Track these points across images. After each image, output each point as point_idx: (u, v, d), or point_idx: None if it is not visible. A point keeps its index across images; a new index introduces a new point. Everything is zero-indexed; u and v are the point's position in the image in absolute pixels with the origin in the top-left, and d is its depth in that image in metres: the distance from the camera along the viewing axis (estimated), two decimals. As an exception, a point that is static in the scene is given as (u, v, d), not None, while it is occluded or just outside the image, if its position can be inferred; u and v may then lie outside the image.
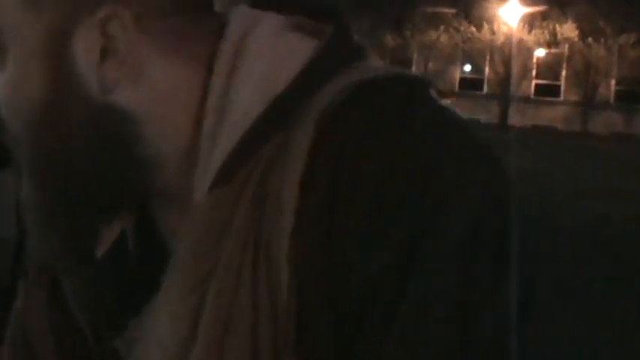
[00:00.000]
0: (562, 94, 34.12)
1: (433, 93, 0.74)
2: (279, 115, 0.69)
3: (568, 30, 32.20)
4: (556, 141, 25.22)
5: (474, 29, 32.64)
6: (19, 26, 0.69)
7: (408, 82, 0.72)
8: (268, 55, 0.71)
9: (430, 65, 33.92)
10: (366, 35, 33.54)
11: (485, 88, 34.67)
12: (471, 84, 34.89)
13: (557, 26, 32.23)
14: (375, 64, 0.75)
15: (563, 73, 33.92)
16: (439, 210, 0.65)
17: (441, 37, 32.91)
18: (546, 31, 32.42)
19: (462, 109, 33.56)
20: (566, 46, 32.86)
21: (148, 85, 0.69)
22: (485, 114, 32.96)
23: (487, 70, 34.38)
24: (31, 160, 0.71)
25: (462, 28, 32.58)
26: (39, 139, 0.70)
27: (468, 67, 35.09)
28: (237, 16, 0.72)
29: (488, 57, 33.74)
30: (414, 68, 35.07)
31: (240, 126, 0.68)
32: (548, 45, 33.09)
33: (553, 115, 33.23)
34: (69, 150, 0.70)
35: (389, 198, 0.65)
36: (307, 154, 0.67)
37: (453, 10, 31.89)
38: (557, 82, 34.19)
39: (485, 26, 32.55)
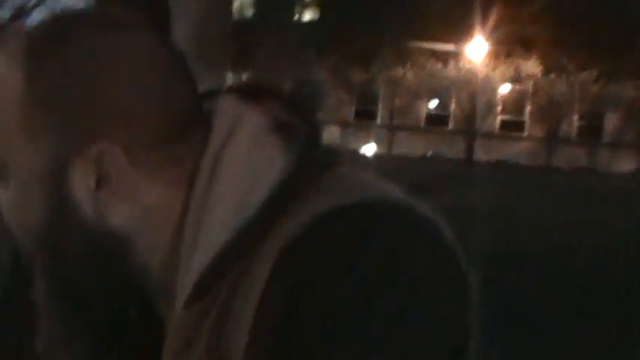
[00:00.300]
0: (526, 130, 34.49)
1: (401, 218, 0.78)
2: (245, 242, 0.77)
3: (531, 66, 32.63)
4: (521, 176, 25.42)
5: (440, 65, 32.95)
6: (20, 154, 0.78)
7: (375, 211, 0.77)
8: (241, 174, 0.79)
9: (397, 101, 34.13)
10: (333, 71, 33.75)
11: (451, 124, 34.91)
12: (437, 119, 35.09)
13: (521, 63, 32.66)
14: (345, 173, 0.82)
15: (527, 108, 34.30)
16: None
17: (408, 73, 33.15)
18: (510, 68, 32.82)
19: (429, 144, 33.83)
20: (530, 82, 33.28)
21: (137, 208, 0.78)
22: (451, 149, 33.16)
23: (453, 105, 34.65)
24: (39, 266, 0.81)
25: (428, 65, 32.87)
26: (43, 253, 0.80)
27: (434, 103, 35.33)
28: (221, 119, 0.81)
29: (454, 93, 34.03)
30: (380, 104, 35.25)
31: (212, 249, 0.76)
32: (513, 81, 33.48)
33: (518, 150, 33.53)
34: (69, 263, 0.79)
35: (334, 328, 0.72)
36: (266, 282, 0.74)
37: (419, 47, 32.17)
38: (521, 118, 34.58)
39: (451, 63, 32.88)
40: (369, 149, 32.20)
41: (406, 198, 0.81)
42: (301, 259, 0.74)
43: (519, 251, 9.96)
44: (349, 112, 35.52)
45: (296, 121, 0.83)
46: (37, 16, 0.79)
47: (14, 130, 0.77)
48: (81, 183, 0.76)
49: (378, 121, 35.52)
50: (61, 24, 0.79)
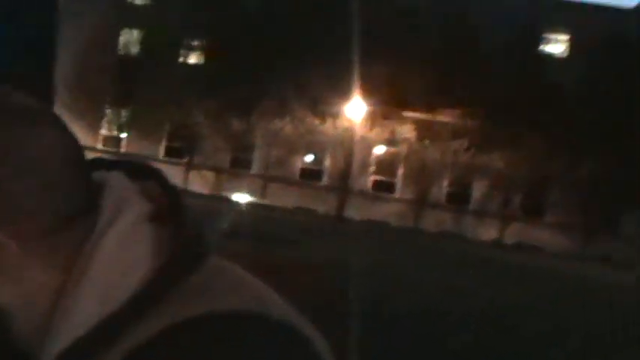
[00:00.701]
0: (397, 191, 35.23)
1: (268, 335, 0.80)
2: (96, 341, 0.80)
3: (407, 130, 33.47)
4: (390, 236, 25.88)
5: (318, 122, 33.41)
6: None
7: (231, 324, 0.80)
8: (111, 267, 0.83)
9: (273, 152, 34.36)
10: (213, 117, 33.76)
11: (325, 180, 35.36)
12: (311, 174, 35.51)
13: (397, 126, 33.46)
14: (211, 272, 0.86)
15: (400, 171, 35.09)
16: None
17: (286, 126, 33.47)
18: (386, 130, 33.57)
19: (302, 197, 34.11)
20: (405, 145, 34.10)
21: (22, 288, 0.82)
22: (324, 205, 33.56)
23: (328, 161, 35.14)
24: None
25: (306, 120, 33.28)
26: None
27: (309, 158, 35.74)
28: (107, 206, 0.86)
29: (330, 149, 34.51)
30: (256, 154, 35.41)
31: (68, 338, 0.80)
32: (388, 143, 34.24)
33: (388, 211, 34.19)
34: None
35: None
36: None
37: (299, 102, 32.56)
38: (393, 179, 35.32)
39: (329, 120, 33.39)
40: (243, 197, 32.27)
41: (280, 308, 0.83)
42: None
43: (389, 311, 10.08)
44: (225, 158, 35.58)
45: (169, 204, 0.88)
46: None
47: None
48: None
49: (254, 170, 35.65)
50: None
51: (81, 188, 0.85)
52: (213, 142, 34.24)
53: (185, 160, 35.22)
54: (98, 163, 0.93)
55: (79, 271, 0.82)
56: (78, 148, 0.87)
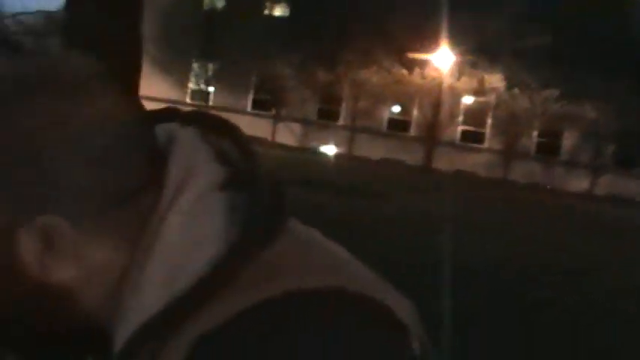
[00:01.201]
0: (486, 142, 34.81)
1: (351, 315, 0.74)
2: (166, 322, 0.75)
3: (495, 80, 32.93)
4: (478, 187, 25.61)
5: (405, 72, 33.12)
6: None
7: (296, 305, 0.74)
8: (180, 244, 0.77)
9: (360, 103, 34.24)
10: (299, 69, 33.74)
11: (413, 130, 35.12)
12: (398, 125, 35.30)
13: (485, 76, 32.94)
14: (291, 247, 0.79)
15: (489, 121, 34.62)
16: None
17: (373, 76, 33.27)
18: (475, 80, 33.09)
19: (389, 149, 33.96)
20: (493, 95, 33.58)
21: (83, 267, 0.78)
22: (411, 156, 33.39)
23: (415, 112, 34.86)
24: None
25: (393, 70, 33.03)
26: None
27: (396, 108, 35.51)
28: (172, 174, 0.80)
29: (417, 100, 34.22)
30: (343, 105, 35.33)
31: (137, 319, 0.76)
32: (476, 93, 33.76)
33: (476, 162, 33.84)
34: (11, 311, 0.80)
35: None
36: None
37: (385, 51, 32.30)
38: (482, 130, 34.88)
39: (417, 70, 33.07)
40: (330, 149, 32.30)
41: (360, 279, 0.78)
42: (221, 354, 0.73)
43: (474, 263, 10.02)
44: (312, 110, 35.66)
45: (245, 169, 0.82)
46: None
47: None
48: (27, 249, 0.76)
49: (340, 121, 35.61)
50: (23, 79, 0.77)
51: (140, 160, 0.79)
52: (300, 93, 34.24)
53: (272, 112, 35.38)
54: (170, 115, 0.87)
55: (144, 249, 0.78)
56: (135, 116, 0.80)
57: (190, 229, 0.78)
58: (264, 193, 0.80)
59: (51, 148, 0.75)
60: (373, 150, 33.78)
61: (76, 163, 0.76)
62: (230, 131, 0.85)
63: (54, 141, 0.75)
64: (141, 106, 0.83)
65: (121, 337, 0.76)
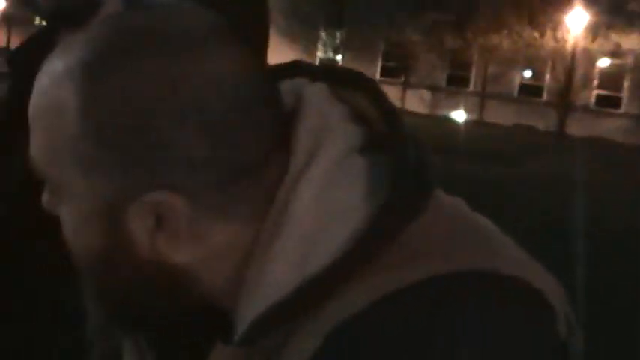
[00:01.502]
0: (623, 106, 33.62)
1: (504, 300, 0.67)
2: (295, 305, 0.68)
3: (632, 41, 31.68)
4: (613, 153, 24.83)
5: (536, 35, 32.27)
6: (72, 185, 0.71)
7: (470, 289, 0.67)
8: (313, 218, 0.69)
9: (490, 69, 33.62)
10: (427, 35, 33.37)
11: (545, 95, 34.27)
12: (530, 90, 34.51)
13: (622, 36, 31.73)
14: (439, 219, 0.71)
15: (625, 84, 33.40)
16: None
17: (503, 41, 32.57)
18: (610, 41, 31.93)
19: (520, 114, 33.29)
20: (630, 57, 32.34)
21: (202, 247, 0.70)
22: (543, 121, 32.59)
23: (547, 77, 33.98)
24: (88, 285, 0.77)
25: (524, 34, 32.22)
26: (96, 277, 0.75)
27: (528, 73, 34.69)
28: (302, 139, 0.71)
29: (549, 64, 33.33)
30: (473, 71, 34.80)
31: (265, 300, 0.69)
32: (612, 55, 32.59)
33: (612, 127, 32.72)
34: (122, 293, 0.75)
35: None
36: None
37: (516, 15, 31.54)
38: (618, 94, 33.69)
39: (548, 33, 32.17)
40: (460, 115, 31.89)
41: (512, 260, 0.70)
42: (360, 346, 0.66)
43: (608, 229, 9.76)
44: (442, 77, 35.19)
45: (386, 129, 0.73)
46: (101, 28, 0.70)
47: (66, 159, 0.70)
48: (137, 225, 0.70)
49: (470, 87, 35.10)
50: (132, 40, 0.69)
51: (264, 124, 0.70)
52: (429, 60, 33.88)
53: (401, 79, 35.17)
54: (296, 70, 0.77)
55: (271, 225, 0.69)
56: (257, 74, 0.71)
57: (325, 200, 0.69)
58: (409, 158, 0.70)
59: (161, 115, 0.67)
60: (504, 116, 33.15)
61: (189, 131, 0.67)
62: (366, 86, 0.75)
63: (164, 107, 0.67)
64: (263, 64, 0.75)
65: (245, 320, 0.70)
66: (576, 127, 31.93)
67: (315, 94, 0.74)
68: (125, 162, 0.67)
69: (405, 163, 0.70)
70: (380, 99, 0.74)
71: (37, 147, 0.72)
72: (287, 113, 0.72)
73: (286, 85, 0.75)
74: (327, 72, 0.76)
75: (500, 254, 0.70)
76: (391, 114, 0.73)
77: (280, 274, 0.69)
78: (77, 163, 0.69)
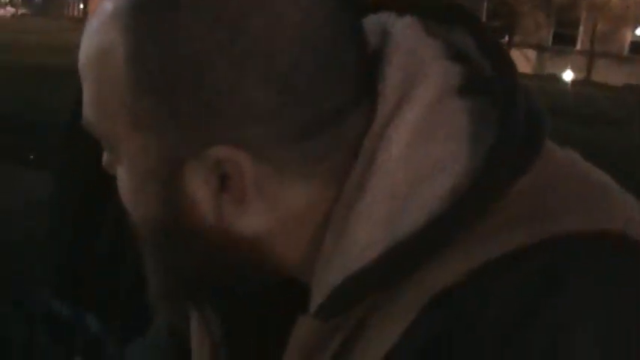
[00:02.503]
0: None
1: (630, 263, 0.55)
2: (388, 269, 0.58)
3: None
4: None
5: (649, -10, 31.12)
6: (126, 143, 0.62)
7: (594, 250, 0.54)
8: (404, 171, 0.57)
9: (599, 26, 32.63)
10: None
11: (657, 53, 33.12)
12: (641, 48, 33.43)
13: None
14: (553, 173, 0.57)
15: None
16: None
17: (613, -3, 31.55)
18: None
19: (631, 73, 32.34)
20: None
21: (275, 211, 0.61)
22: (655, 80, 31.63)
23: (660, 34, 32.81)
24: (148, 252, 0.68)
25: (636, -11, 31.12)
26: (156, 246, 0.66)
27: (639, 31, 33.55)
28: (389, 83, 0.59)
29: (662, 20, 32.16)
30: (581, 28, 33.86)
31: (349, 265, 0.59)
32: None
33: None
34: (185, 263, 0.65)
35: None
36: (400, 337, 0.57)
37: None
38: None
39: (662, -13, 30.98)
40: (567, 75, 31.14)
41: (630, 223, 0.57)
42: (461, 322, 0.55)
43: None
44: (547, 35, 34.38)
45: (490, 66, 0.59)
46: None
47: (116, 111, 0.61)
48: (199, 186, 0.60)
49: (578, 46, 34.22)
50: None
51: (344, 66, 0.60)
52: (534, 18, 33.13)
53: (505, 38, 34.49)
54: (384, 2, 0.65)
55: (356, 182, 0.60)
56: (334, 11, 0.60)
57: (420, 150, 0.58)
58: (518, 102, 0.59)
59: (220, 60, 0.58)
60: (614, 75, 32.16)
61: (254, 78, 0.58)
62: (466, 20, 0.63)
63: (223, 50, 0.58)
64: None
65: (324, 290, 0.60)
66: (691, 87, 30.77)
67: (405, 29, 0.63)
68: (180, 114, 0.59)
69: (512, 108, 0.59)
70: (483, 35, 0.62)
71: (87, 101, 0.64)
72: (372, 53, 0.61)
73: (370, 21, 0.63)
74: (418, 4, 0.63)
75: (626, 215, 0.59)
76: (496, 52, 0.61)
77: (365, 236, 0.59)
78: (128, 116, 0.61)
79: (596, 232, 0.55)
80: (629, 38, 33.76)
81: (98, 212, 1.68)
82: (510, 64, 0.59)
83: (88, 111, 0.65)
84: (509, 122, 0.57)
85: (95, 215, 1.69)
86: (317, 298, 0.61)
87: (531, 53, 34.09)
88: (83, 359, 1.88)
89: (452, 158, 0.58)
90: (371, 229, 0.58)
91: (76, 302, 1.88)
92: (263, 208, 0.61)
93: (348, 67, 0.60)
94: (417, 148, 0.58)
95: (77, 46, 0.66)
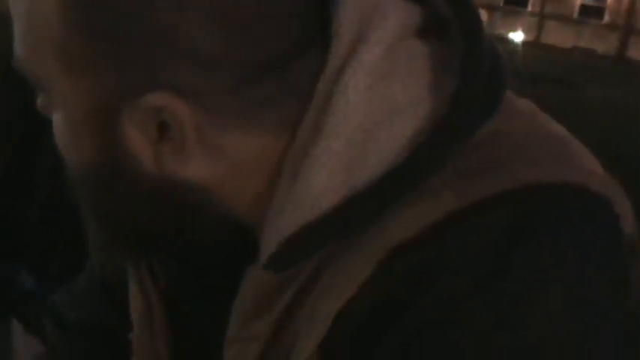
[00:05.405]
0: (688, 29, 32.61)
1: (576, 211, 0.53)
2: (347, 219, 0.55)
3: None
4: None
5: (600, -47, 31.27)
6: (59, 85, 0.59)
7: (546, 201, 0.52)
8: (361, 117, 0.55)
9: (550, -11, 32.80)
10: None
11: (607, 17, 33.36)
12: (591, 11, 33.63)
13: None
14: (514, 128, 0.55)
15: (692, 6, 32.33)
16: None
17: (565, -41, 31.65)
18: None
19: (579, 36, 32.62)
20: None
21: (221, 162, 0.59)
22: (604, 44, 31.81)
23: (610, -2, 33.07)
24: (86, 203, 0.65)
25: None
26: (94, 195, 0.63)
27: (589, -6, 33.78)
28: (346, 20, 0.56)
29: (612, -16, 32.38)
30: (533, -9, 34.03)
31: (303, 215, 0.56)
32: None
33: (675, 51, 31.84)
34: (125, 214, 0.62)
35: None
36: (354, 294, 0.55)
37: None
38: (683, 16, 32.65)
39: (614, -49, 31.17)
40: (517, 36, 31.28)
41: (600, 179, 0.56)
42: (421, 277, 0.52)
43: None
44: (499, -4, 34.47)
45: (453, 10, 0.57)
46: None
47: (47, 53, 0.58)
48: (136, 134, 0.58)
49: (529, 8, 34.35)
50: None
51: (294, 9, 0.55)
52: (487, -22, 33.16)
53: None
54: None
55: (309, 128, 0.56)
56: None
57: (378, 93, 0.55)
58: (481, 45, 0.56)
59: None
60: (563, 38, 32.39)
61: (195, 19, 0.54)
62: None
63: None
64: None
65: (274, 240, 0.58)
66: (638, 51, 31.08)
67: None
68: (116, 56, 0.56)
69: (476, 51, 0.56)
70: None
71: (18, 37, 0.60)
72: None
73: None
74: None
75: (586, 168, 0.57)
76: None
77: (321, 184, 0.56)
78: (60, 56, 0.58)
79: (559, 183, 0.53)
80: (579, 1, 33.97)
81: (31, 165, 1.63)
82: (472, 8, 0.55)
83: (18, 49, 0.60)
84: (472, 68, 0.55)
85: (28, 167, 1.64)
86: (267, 249, 0.58)
87: (483, 13, 34.14)
88: (17, 316, 1.82)
89: (412, 103, 0.55)
90: (327, 177, 0.55)
91: (10, 258, 1.82)
92: (206, 157, 0.58)
93: (297, 5, 0.56)
94: (376, 90, 0.55)
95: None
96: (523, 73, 16.64)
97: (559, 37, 32.57)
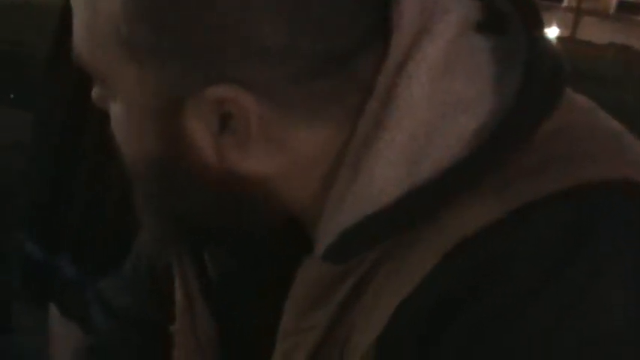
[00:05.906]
0: None
1: None
2: (409, 213, 0.55)
3: None
4: None
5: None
6: (122, 78, 0.60)
7: (607, 199, 0.52)
8: (423, 113, 0.55)
9: (587, -16, 32.48)
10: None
11: (644, 13, 33.03)
12: (629, 7, 33.28)
13: None
14: (577, 120, 0.55)
15: None
16: None
17: (603, -46, 31.32)
18: None
19: (616, 33, 32.30)
20: None
21: (282, 155, 0.59)
22: (641, 40, 31.56)
23: (648, -7, 32.69)
24: (143, 194, 0.65)
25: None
26: (152, 188, 0.63)
27: (627, -11, 33.45)
28: (405, 19, 0.56)
29: (651, -20, 31.99)
30: (569, -15, 33.69)
31: (363, 208, 0.57)
32: None
33: None
34: (183, 207, 0.63)
35: None
36: (420, 283, 0.55)
37: None
38: None
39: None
40: (552, 32, 31.06)
41: None
42: (486, 273, 0.53)
43: None
44: (535, -9, 34.30)
45: (515, 6, 0.58)
46: None
47: (110, 44, 0.58)
48: (199, 125, 0.59)
49: (565, 3, 34.04)
50: None
51: (355, 2, 0.57)
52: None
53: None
54: None
55: (371, 122, 0.57)
56: None
57: (442, 87, 0.57)
58: (542, 41, 0.57)
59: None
60: (599, 34, 32.09)
61: (261, 12, 0.55)
62: None
63: None
64: None
65: (334, 230, 0.58)
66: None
67: None
68: (181, 48, 0.57)
69: (539, 46, 0.57)
70: None
71: (79, 30, 0.60)
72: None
73: None
74: None
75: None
76: None
77: (383, 177, 0.57)
78: (125, 47, 0.58)
79: (621, 180, 0.53)
80: (616, -3, 33.66)
81: (76, 156, 1.65)
82: (531, 3, 0.56)
83: (79, 41, 0.60)
84: (537, 63, 0.55)
85: (73, 159, 1.66)
86: (326, 240, 0.58)
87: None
88: (57, 303, 1.85)
89: (475, 98, 0.55)
90: (389, 170, 0.56)
91: (52, 245, 1.85)
92: (269, 150, 0.59)
93: (358, 1, 0.56)
94: (440, 85, 0.56)
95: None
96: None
97: (594, 32, 32.28)
